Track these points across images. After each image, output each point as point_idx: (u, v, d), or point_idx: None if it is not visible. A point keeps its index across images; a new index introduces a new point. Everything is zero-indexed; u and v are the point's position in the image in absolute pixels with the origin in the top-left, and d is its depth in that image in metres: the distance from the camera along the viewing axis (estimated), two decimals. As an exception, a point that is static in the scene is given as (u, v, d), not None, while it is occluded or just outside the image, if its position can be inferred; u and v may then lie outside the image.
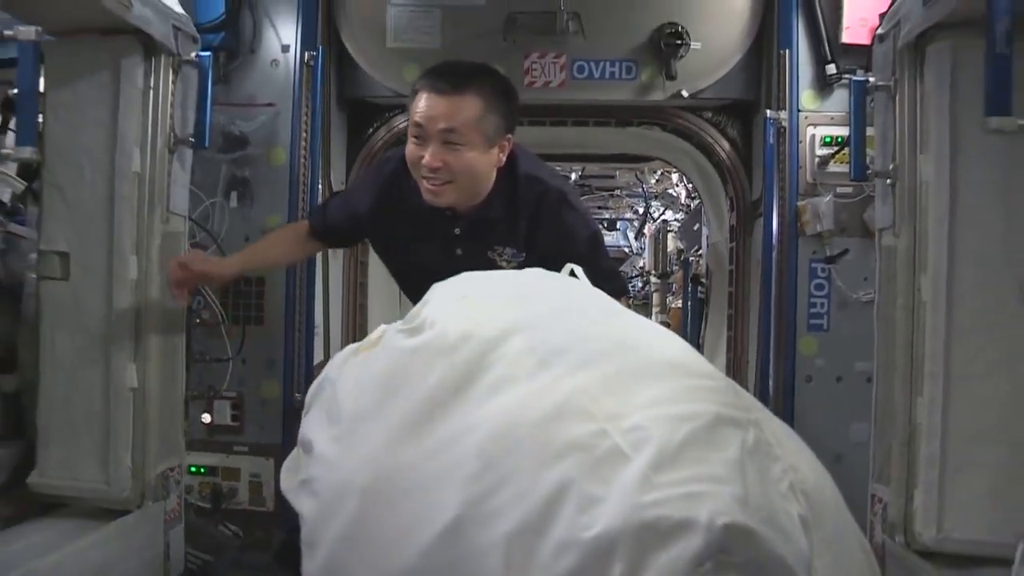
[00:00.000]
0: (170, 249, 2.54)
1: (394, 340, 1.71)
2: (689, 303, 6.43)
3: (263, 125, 3.32)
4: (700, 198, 5.01)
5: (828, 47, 3.16)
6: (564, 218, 2.46)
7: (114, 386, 2.42)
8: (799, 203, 3.19)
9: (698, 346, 4.80)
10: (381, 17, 3.53)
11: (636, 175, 7.58)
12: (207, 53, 2.58)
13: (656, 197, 8.11)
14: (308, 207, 3.26)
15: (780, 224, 3.23)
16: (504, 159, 2.40)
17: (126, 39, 2.41)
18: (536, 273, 2.00)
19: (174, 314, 2.59)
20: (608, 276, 2.47)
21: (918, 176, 2.23)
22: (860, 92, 2.37)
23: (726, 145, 3.70)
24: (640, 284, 10.50)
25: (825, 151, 3.17)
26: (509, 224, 2.45)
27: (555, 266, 2.05)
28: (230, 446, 3.31)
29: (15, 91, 2.09)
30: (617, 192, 8.85)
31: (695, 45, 3.41)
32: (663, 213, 8.45)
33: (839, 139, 3.14)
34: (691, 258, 6.65)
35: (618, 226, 11.01)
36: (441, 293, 1.83)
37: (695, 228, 6.35)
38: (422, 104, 2.29)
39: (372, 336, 1.86)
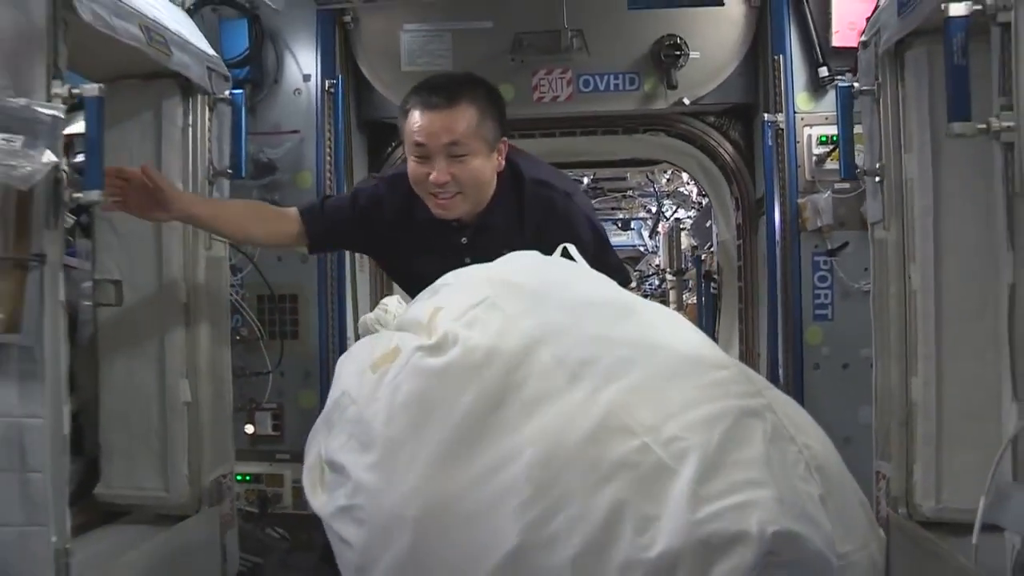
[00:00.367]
0: (214, 272, 2.74)
1: (417, 360, 1.67)
2: (703, 299, 6.56)
3: (289, 151, 3.52)
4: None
5: (820, 51, 3.31)
6: (571, 220, 2.44)
7: (169, 401, 2.61)
8: (799, 200, 3.33)
9: (712, 340, 4.95)
10: (395, 43, 3.71)
11: (647, 175, 7.71)
12: (240, 91, 2.78)
13: (668, 196, 8.24)
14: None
15: (782, 221, 3.38)
16: (503, 162, 2.42)
17: (166, 83, 2.61)
18: (537, 258, 2.00)
19: (221, 333, 2.79)
20: (615, 270, 2.49)
21: (903, 173, 2.37)
22: (846, 96, 2.52)
23: (729, 147, 3.86)
24: (657, 282, 10.63)
25: (821, 150, 3.31)
26: (515, 227, 2.44)
27: None
28: (272, 454, 3.52)
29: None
30: (629, 193, 8.99)
31: (694, 54, 3.58)
32: (675, 211, 8.57)
33: (834, 138, 3.27)
34: (703, 255, 6.79)
35: (632, 226, 11.11)
36: (455, 295, 1.82)
37: (707, 225, 6.45)
38: (420, 122, 2.28)
39: (384, 347, 1.82)
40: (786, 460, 1.48)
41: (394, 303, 2.26)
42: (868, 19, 2.58)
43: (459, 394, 1.57)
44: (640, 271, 11.50)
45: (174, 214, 2.40)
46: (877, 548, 1.62)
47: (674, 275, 8.50)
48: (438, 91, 2.30)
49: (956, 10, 1.75)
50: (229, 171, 2.76)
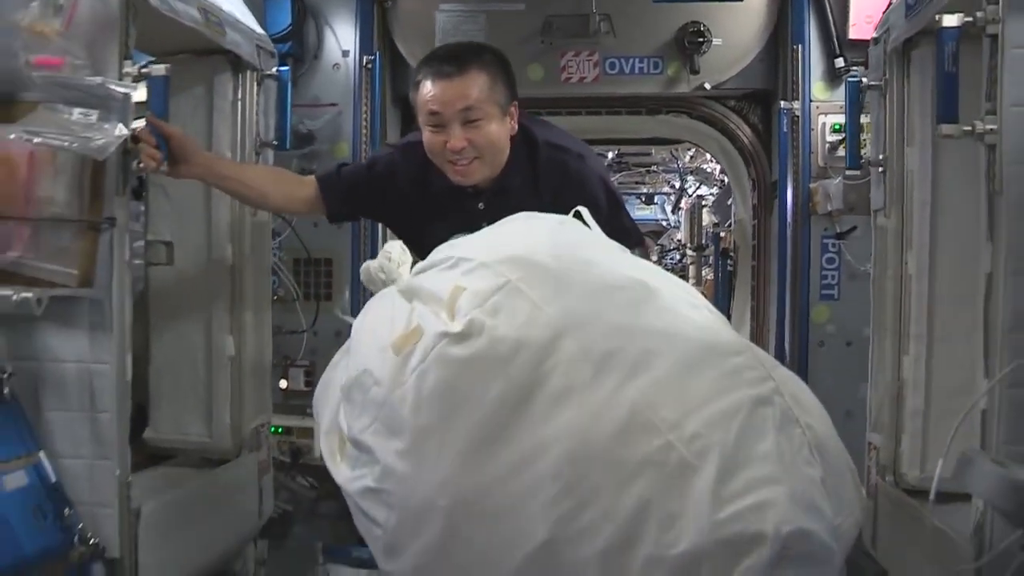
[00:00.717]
0: (258, 237, 2.94)
1: (443, 348, 1.66)
2: (719, 276, 6.71)
3: (327, 123, 3.72)
4: (728, 176, 5.32)
5: (837, 42, 3.46)
6: (585, 180, 2.47)
7: (215, 355, 2.82)
8: (811, 185, 3.50)
9: (727, 316, 5.12)
10: (430, 22, 3.87)
11: (671, 152, 7.83)
12: (286, 68, 2.96)
13: (691, 173, 8.35)
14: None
15: (794, 204, 3.55)
16: (516, 126, 2.43)
17: (217, 59, 2.79)
18: (550, 226, 1.98)
19: (263, 294, 3.00)
20: (628, 231, 2.56)
21: (905, 165, 2.51)
22: (854, 91, 2.67)
23: (748, 131, 4.00)
24: (678, 257, 10.74)
25: (834, 137, 3.47)
26: (530, 190, 2.45)
27: None
28: (304, 409, 3.71)
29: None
30: (654, 168, 9.10)
31: (716, 41, 3.73)
32: (698, 188, 8.68)
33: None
34: (721, 232, 6.93)
35: (655, 200, 11.22)
36: (476, 275, 1.78)
37: (727, 203, 6.59)
38: (433, 91, 2.30)
39: (404, 320, 1.80)
40: (793, 445, 1.56)
41: (397, 250, 2.21)
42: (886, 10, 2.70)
43: (486, 386, 1.59)
44: (662, 245, 11.62)
45: (196, 168, 2.44)
46: (860, 511, 1.78)
47: (694, 251, 8.63)
48: (448, 60, 2.32)
49: (949, 21, 1.90)
50: (274, 142, 2.96)
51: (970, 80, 1.96)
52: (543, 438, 1.55)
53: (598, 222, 2.06)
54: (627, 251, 2.08)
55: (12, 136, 2.02)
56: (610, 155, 7.77)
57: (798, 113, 3.51)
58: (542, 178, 2.46)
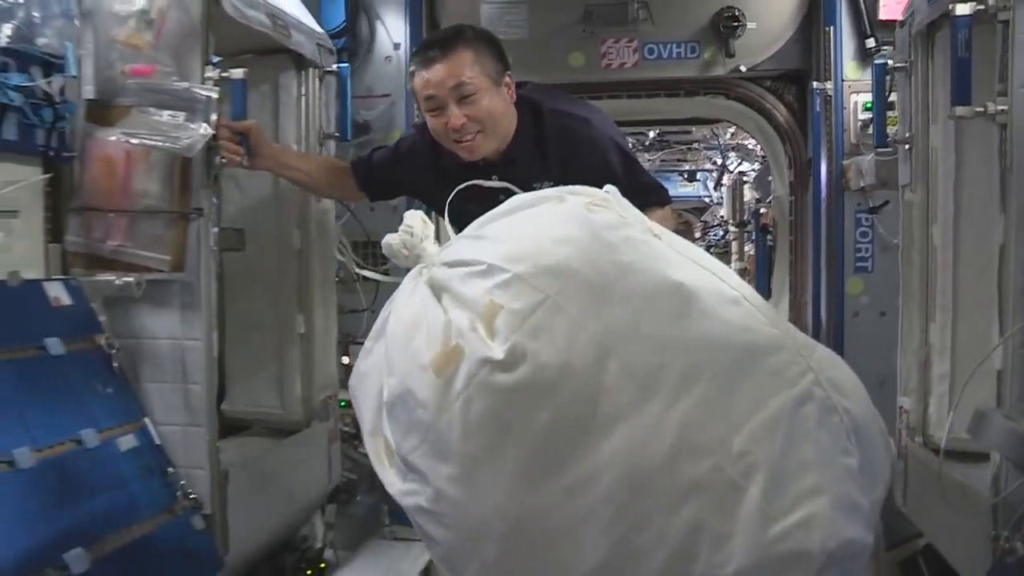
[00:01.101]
0: (322, 222, 3.18)
1: (486, 376, 1.61)
2: (760, 251, 6.81)
3: (381, 113, 3.93)
4: (767, 154, 5.44)
5: (867, 23, 3.57)
6: (593, 142, 2.49)
7: (286, 332, 3.07)
8: (844, 162, 3.63)
9: (767, 291, 5.27)
10: (476, 12, 4.06)
11: (711, 129, 7.93)
12: (346, 65, 3.19)
13: (732, 149, 8.43)
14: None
15: (828, 181, 3.69)
16: (514, 95, 2.49)
17: (281, 57, 3.02)
18: (582, 216, 1.77)
19: (328, 275, 3.24)
20: (648, 189, 2.55)
21: (929, 143, 2.63)
22: (880, 73, 2.81)
23: (783, 110, 4.13)
24: (720, 233, 10.82)
25: (866, 116, 3.57)
26: (539, 159, 2.48)
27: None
28: (365, 384, 3.97)
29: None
30: (695, 145, 9.19)
31: (751, 25, 3.87)
32: (739, 164, 8.74)
33: (878, 106, 3.55)
34: (762, 208, 7.03)
35: (698, 177, 11.29)
36: (513, 289, 1.66)
37: (768, 179, 6.65)
38: (424, 78, 2.38)
39: (439, 334, 1.69)
40: (832, 438, 1.60)
41: (418, 222, 2.01)
42: (911, -2, 2.83)
43: (534, 415, 1.58)
44: (705, 222, 11.72)
45: (267, 160, 2.68)
46: (890, 473, 1.82)
47: (736, 227, 8.70)
48: (433, 46, 2.42)
49: (961, 10, 2.04)
50: (336, 134, 3.18)
51: (991, 62, 2.08)
52: (595, 465, 1.56)
53: (615, 185, 1.94)
54: (658, 234, 1.85)
55: (112, 138, 2.27)
56: (651, 134, 7.89)
57: (831, 93, 3.63)
58: (549, 146, 2.49)
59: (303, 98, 3.06)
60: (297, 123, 3.05)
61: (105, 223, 2.33)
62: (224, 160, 2.42)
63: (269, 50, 2.97)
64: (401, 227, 1.94)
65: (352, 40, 3.89)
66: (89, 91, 2.33)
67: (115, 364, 2.24)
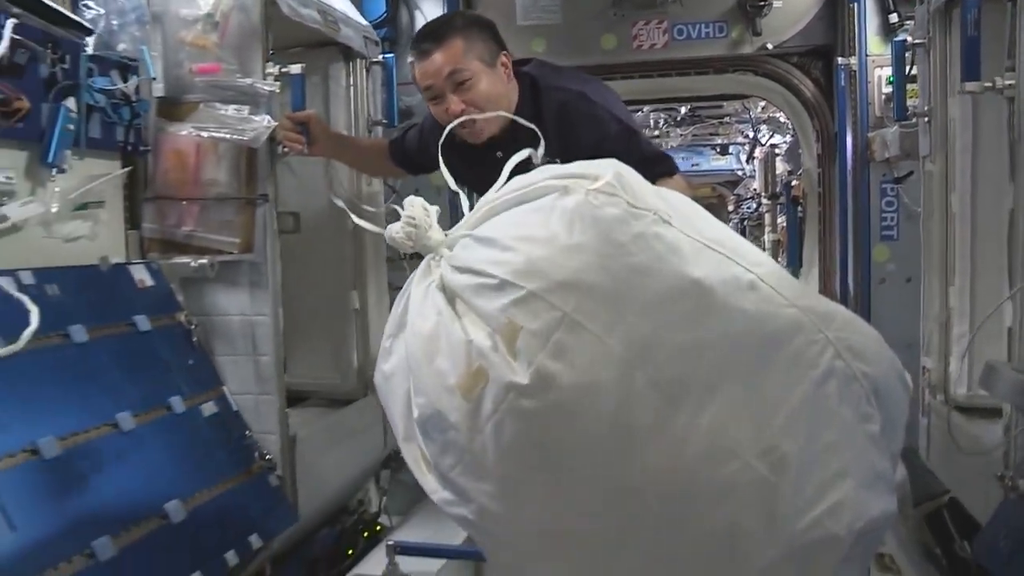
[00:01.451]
0: (373, 203, 3.38)
1: (513, 401, 1.56)
2: (791, 222, 6.90)
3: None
4: (796, 128, 5.54)
5: (891, -2, 3.69)
6: (591, 116, 2.50)
7: (342, 308, 3.29)
8: (869, 134, 3.75)
9: (799, 261, 5.40)
10: (510, 1, 4.20)
11: (743, 103, 8.00)
12: (391, 55, 3.38)
13: (763, 123, 8.49)
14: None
15: (854, 152, 3.81)
16: (511, 74, 2.53)
17: (331, 50, 3.22)
18: (587, 211, 1.63)
19: (379, 254, 3.45)
20: (653, 160, 2.51)
21: (948, 115, 2.75)
22: (900, 49, 2.93)
23: (810, 84, 4.23)
24: (754, 206, 10.89)
25: (889, 89, 3.64)
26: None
27: None
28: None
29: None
30: (727, 119, 9.26)
31: (777, 3, 3.98)
32: (771, 137, 8.79)
33: (901, 79, 3.66)
34: (793, 180, 7.12)
35: (730, 150, 11.34)
36: (530, 307, 1.58)
37: (799, 152, 6.73)
38: (421, 70, 2.45)
39: (464, 360, 1.62)
40: (854, 407, 1.60)
41: (420, 211, 1.88)
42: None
43: (564, 436, 1.57)
44: (738, 195, 11.79)
45: (324, 147, 2.91)
46: (906, 417, 1.80)
47: (769, 199, 8.79)
48: (425, 38, 2.47)
49: (971, -10, 2.18)
50: (384, 120, 3.38)
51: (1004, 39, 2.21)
52: (630, 480, 1.57)
53: (617, 158, 1.80)
54: (668, 214, 1.69)
55: (183, 132, 2.48)
56: (683, 109, 7.99)
57: (855, 68, 3.75)
58: (547, 122, 2.44)
59: (352, 88, 3.26)
60: (347, 111, 3.25)
61: (178, 210, 2.55)
62: (287, 149, 2.61)
63: (320, 43, 3.17)
64: (403, 217, 1.85)
65: (393, 30, 4.07)
66: (160, 89, 2.55)
67: (194, 339, 2.47)
